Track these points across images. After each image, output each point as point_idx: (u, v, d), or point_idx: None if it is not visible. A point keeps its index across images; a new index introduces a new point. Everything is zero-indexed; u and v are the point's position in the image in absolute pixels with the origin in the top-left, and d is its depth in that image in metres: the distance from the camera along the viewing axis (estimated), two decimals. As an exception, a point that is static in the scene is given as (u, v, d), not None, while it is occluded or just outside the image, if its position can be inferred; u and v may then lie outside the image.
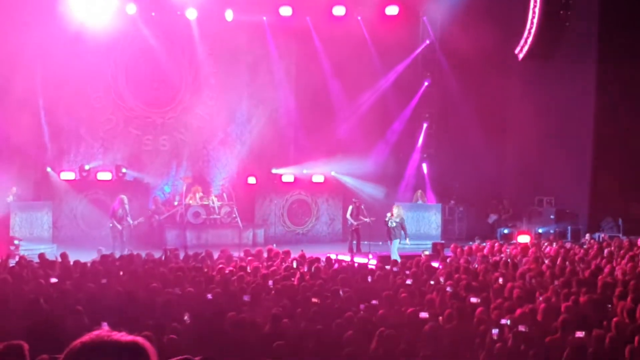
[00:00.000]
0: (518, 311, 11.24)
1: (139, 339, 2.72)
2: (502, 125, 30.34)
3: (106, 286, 13.58)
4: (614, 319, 10.78)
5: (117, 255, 18.69)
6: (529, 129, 29.54)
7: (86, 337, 2.72)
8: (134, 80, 26.69)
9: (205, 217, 25.67)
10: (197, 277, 14.83)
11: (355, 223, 23.93)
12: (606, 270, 16.02)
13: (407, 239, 22.68)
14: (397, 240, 22.46)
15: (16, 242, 21.34)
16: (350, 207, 24.43)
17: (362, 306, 12.40)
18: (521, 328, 10.00)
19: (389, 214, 22.81)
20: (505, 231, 27.33)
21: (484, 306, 11.99)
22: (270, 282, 14.47)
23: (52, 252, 20.33)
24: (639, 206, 26.85)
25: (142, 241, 23.34)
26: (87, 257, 17.99)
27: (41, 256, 17.62)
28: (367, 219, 23.76)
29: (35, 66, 24.94)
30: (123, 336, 2.71)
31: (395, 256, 20.97)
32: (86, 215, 24.28)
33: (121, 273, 15.59)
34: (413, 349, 9.50)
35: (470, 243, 23.18)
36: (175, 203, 26.04)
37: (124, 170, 25.52)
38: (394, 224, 22.58)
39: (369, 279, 15.52)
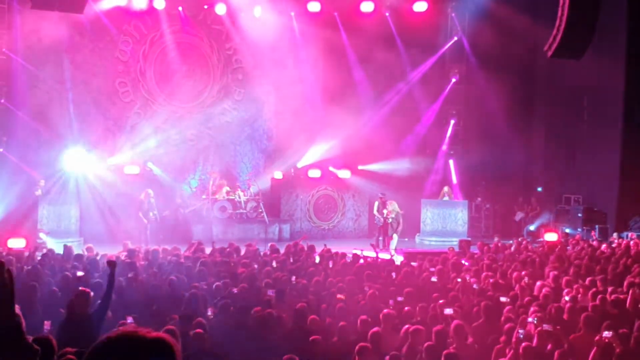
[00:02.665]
0: (542, 309, 11.18)
1: (165, 336, 2.72)
2: (530, 122, 30.18)
3: (132, 280, 13.65)
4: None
5: (143, 248, 18.75)
6: (556, 126, 29.39)
7: (112, 333, 2.72)
8: (162, 75, 26.80)
9: (232, 212, 25.75)
10: (223, 271, 14.88)
11: (382, 219, 23.89)
12: (634, 269, 15.86)
13: (396, 235, 22.92)
14: (396, 236, 22.61)
15: (43, 235, 21.48)
16: (377, 203, 24.38)
17: (391, 302, 12.41)
18: (546, 327, 9.94)
19: (385, 211, 22.98)
20: (532, 228, 27.20)
21: (510, 304, 11.95)
22: (294, 278, 14.50)
23: (79, 245, 20.49)
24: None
25: (168, 235, 23.44)
26: (113, 250, 18.13)
27: (67, 249, 17.67)
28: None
29: (63, 60, 25.18)
30: (149, 332, 2.72)
31: (393, 252, 21.20)
32: (113, 208, 24.36)
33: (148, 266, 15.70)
34: (438, 346, 9.46)
35: (495, 239, 23.10)
36: (202, 197, 26.15)
37: (150, 164, 25.62)
38: (391, 220, 22.78)
39: (393, 275, 15.51)
